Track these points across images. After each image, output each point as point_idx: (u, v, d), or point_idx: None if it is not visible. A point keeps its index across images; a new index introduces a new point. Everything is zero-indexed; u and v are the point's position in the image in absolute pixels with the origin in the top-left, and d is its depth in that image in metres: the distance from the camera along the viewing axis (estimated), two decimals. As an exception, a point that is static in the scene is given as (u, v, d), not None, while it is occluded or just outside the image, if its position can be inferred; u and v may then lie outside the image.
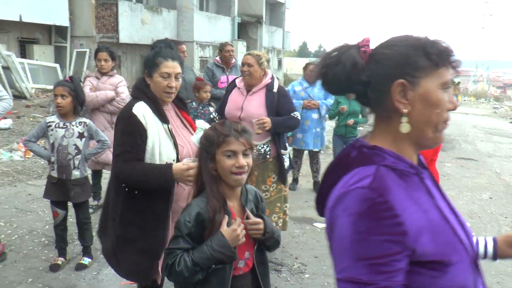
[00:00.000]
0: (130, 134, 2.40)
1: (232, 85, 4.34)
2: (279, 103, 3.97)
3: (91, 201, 5.06)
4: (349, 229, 1.09)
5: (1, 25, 14.70)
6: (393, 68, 1.14)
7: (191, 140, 2.54)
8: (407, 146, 1.19)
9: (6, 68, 13.37)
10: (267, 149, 3.99)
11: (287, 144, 4.28)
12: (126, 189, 2.46)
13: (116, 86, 5.25)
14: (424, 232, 1.08)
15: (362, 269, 1.06)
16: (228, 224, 1.87)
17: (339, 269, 1.11)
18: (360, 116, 6.64)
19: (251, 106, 3.94)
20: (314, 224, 5.38)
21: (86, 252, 4.11)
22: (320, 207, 1.27)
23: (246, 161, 1.90)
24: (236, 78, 4.40)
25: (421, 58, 1.13)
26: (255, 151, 3.82)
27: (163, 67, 2.51)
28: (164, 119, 2.51)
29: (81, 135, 3.86)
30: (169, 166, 2.38)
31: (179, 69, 2.59)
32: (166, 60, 2.52)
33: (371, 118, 1.26)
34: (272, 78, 4.08)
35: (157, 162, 2.44)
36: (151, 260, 2.49)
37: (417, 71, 1.12)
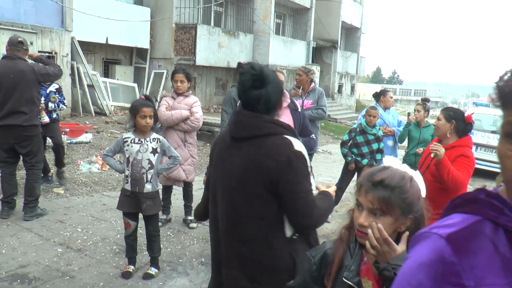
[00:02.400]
0: (309, 175, 2.18)
1: None
2: (303, 125, 3.94)
3: (160, 215, 5.17)
4: (406, 277, 0.92)
5: (90, 47, 15.64)
6: None
7: None
8: None
9: (90, 86, 14.15)
10: None
11: None
12: (294, 237, 2.21)
13: (190, 106, 5.38)
14: None
15: None
16: None
17: None
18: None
19: None
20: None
21: (154, 262, 4.22)
22: None
23: (369, 221, 1.58)
24: None
25: None
26: None
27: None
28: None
29: (154, 151, 4.02)
30: (325, 191, 2.33)
31: None
32: None
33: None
34: (291, 98, 4.01)
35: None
36: None
37: None
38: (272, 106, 2.18)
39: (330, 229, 6.16)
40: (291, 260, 2.13)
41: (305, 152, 2.17)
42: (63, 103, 6.73)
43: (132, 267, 4.19)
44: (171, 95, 5.51)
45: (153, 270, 4.20)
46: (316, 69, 23.00)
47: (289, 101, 3.85)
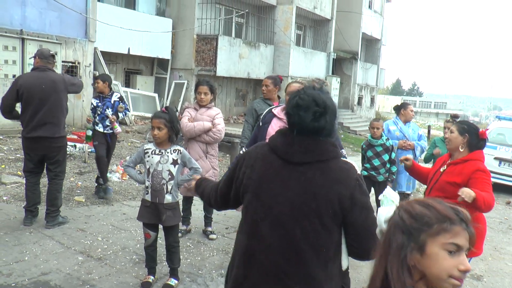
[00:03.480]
0: (369, 196, 2.10)
1: (269, 116, 3.99)
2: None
3: (180, 226, 5.17)
4: None
5: (112, 57, 15.86)
6: None
7: None
8: None
9: (112, 96, 14.31)
10: None
11: None
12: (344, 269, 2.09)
13: (213, 118, 5.36)
14: None
15: None
16: None
17: None
18: None
19: None
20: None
21: (173, 273, 4.21)
22: None
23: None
24: (273, 108, 4.09)
25: None
26: None
27: None
28: None
29: (174, 162, 4.03)
30: None
31: None
32: None
33: None
34: None
35: None
36: None
37: None
38: (333, 132, 2.08)
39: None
40: None
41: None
42: (128, 110, 6.84)
43: (152, 277, 4.19)
44: (194, 106, 5.51)
45: (172, 281, 4.17)
46: (336, 80, 22.98)
47: None
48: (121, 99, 6.75)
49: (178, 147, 4.11)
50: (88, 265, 4.48)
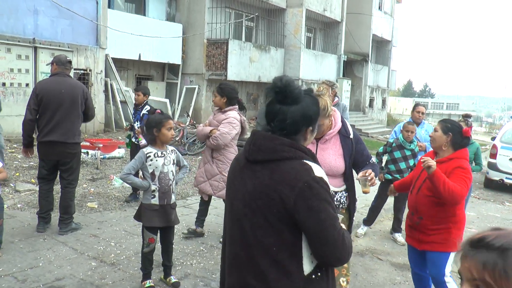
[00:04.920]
0: (332, 201, 1.93)
1: None
2: (357, 151, 3.49)
3: (191, 225, 5.66)
4: None
5: (123, 64, 15.97)
6: None
7: None
8: None
9: (123, 102, 14.41)
10: (344, 198, 3.51)
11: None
12: (313, 276, 1.95)
13: (221, 123, 5.28)
14: None
15: None
16: None
17: None
18: (473, 164, 6.18)
19: (328, 156, 3.37)
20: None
21: (170, 272, 4.37)
22: None
23: None
24: None
25: None
26: (335, 199, 3.35)
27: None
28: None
29: (174, 162, 4.18)
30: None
31: None
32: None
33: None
34: (343, 120, 3.52)
35: None
36: None
37: None
38: (289, 127, 1.94)
39: (364, 246, 6.04)
40: None
41: (326, 179, 1.94)
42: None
43: (151, 281, 4.21)
44: (215, 111, 5.53)
45: (174, 278, 4.32)
46: (347, 83, 22.90)
47: (339, 126, 3.44)
48: (150, 112, 6.56)
49: (172, 147, 4.25)
50: (102, 270, 4.49)
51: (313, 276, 1.91)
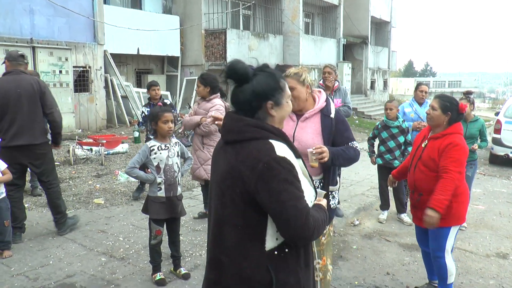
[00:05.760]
0: (295, 181, 1.89)
1: None
2: (336, 131, 3.30)
3: (202, 209, 6.02)
4: None
5: (122, 59, 15.95)
6: None
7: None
8: None
9: (124, 97, 14.42)
10: (320, 186, 3.29)
11: (338, 179, 3.57)
12: (276, 252, 1.96)
13: (208, 111, 5.53)
14: None
15: None
16: None
17: None
18: (479, 140, 6.14)
19: (306, 135, 3.26)
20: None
21: (179, 263, 4.40)
22: None
23: None
24: None
25: None
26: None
27: (288, 88, 2.13)
28: (297, 154, 2.07)
29: (178, 154, 4.22)
30: (320, 205, 2.07)
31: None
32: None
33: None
34: (327, 100, 3.38)
35: None
36: None
37: None
38: (244, 106, 1.98)
39: (371, 228, 6.06)
40: (268, 274, 1.92)
41: (291, 157, 1.92)
42: (179, 116, 6.74)
43: (161, 273, 4.24)
44: (198, 101, 5.82)
45: (184, 269, 4.36)
46: (348, 66, 22.81)
47: (321, 105, 3.34)
48: (171, 106, 6.59)
49: (176, 140, 4.29)
50: (112, 265, 4.52)
51: (276, 253, 1.93)
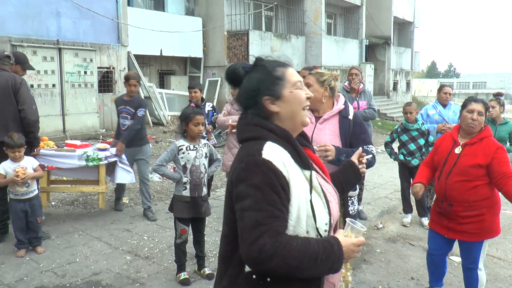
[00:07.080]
0: (270, 191, 1.57)
1: None
2: (353, 133, 3.28)
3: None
4: None
5: (145, 60, 16.11)
6: None
7: (333, 191, 1.86)
8: None
9: (147, 98, 14.54)
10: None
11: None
12: (254, 276, 1.64)
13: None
14: None
15: None
16: None
17: None
18: (508, 144, 5.98)
19: (324, 136, 3.25)
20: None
21: (204, 263, 4.44)
22: None
23: None
24: None
25: None
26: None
27: (293, 75, 1.80)
28: (305, 163, 1.73)
29: (206, 156, 4.26)
30: (335, 239, 1.63)
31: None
32: (289, 67, 1.84)
33: None
34: (346, 103, 3.41)
35: (303, 231, 1.62)
36: None
37: None
38: (242, 104, 1.83)
39: (395, 232, 6.01)
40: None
41: (280, 164, 1.63)
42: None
43: (185, 273, 4.28)
44: (231, 101, 5.89)
45: (208, 269, 4.39)
46: (370, 67, 22.63)
47: (340, 108, 3.35)
48: (214, 108, 6.39)
49: (205, 141, 4.35)
50: (136, 264, 4.58)
51: (255, 277, 1.62)
